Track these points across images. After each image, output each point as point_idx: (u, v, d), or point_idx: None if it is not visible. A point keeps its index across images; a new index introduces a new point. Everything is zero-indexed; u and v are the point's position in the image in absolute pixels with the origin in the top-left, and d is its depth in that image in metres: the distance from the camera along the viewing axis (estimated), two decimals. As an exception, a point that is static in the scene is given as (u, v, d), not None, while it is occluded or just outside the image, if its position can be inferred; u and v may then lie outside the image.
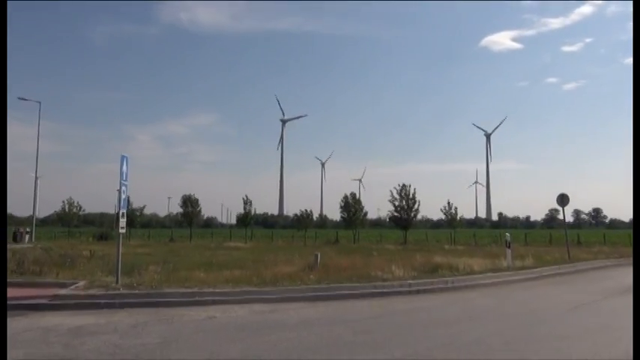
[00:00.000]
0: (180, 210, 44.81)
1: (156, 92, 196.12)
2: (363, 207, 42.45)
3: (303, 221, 48.16)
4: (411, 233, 39.99)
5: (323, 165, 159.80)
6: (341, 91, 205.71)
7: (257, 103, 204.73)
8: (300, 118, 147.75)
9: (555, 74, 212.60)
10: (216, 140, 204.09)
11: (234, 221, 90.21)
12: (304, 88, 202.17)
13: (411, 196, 36.65)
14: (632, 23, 9.22)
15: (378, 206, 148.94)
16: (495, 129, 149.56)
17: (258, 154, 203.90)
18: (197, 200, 43.73)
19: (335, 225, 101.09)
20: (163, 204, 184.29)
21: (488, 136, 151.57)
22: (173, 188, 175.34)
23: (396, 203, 36.89)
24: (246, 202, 43.32)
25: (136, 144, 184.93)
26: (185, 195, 43.69)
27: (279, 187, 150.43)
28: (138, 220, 46.26)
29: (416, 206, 36.89)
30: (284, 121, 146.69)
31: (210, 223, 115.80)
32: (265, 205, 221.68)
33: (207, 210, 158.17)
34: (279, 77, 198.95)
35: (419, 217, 41.75)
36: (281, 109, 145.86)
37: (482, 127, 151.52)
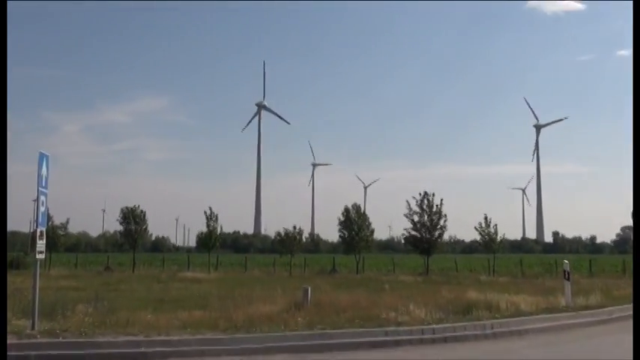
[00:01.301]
0: (120, 228, 44.56)
1: (87, 68, 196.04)
2: (369, 224, 42.42)
3: (287, 243, 48.02)
4: (434, 260, 40.02)
5: (314, 167, 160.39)
6: (341, 68, 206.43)
7: (224, 82, 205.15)
8: (282, 120, 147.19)
9: (629, 45, 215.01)
10: (169, 132, 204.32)
11: (193, 243, 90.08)
12: (291, 63, 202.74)
13: (435, 208, 36.69)
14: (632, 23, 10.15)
15: (389, 222, 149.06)
16: (549, 124, 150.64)
17: (227, 152, 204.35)
18: (143, 214, 43.48)
19: (331, 248, 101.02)
20: (96, 219, 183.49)
21: (538, 128, 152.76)
22: (110, 198, 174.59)
23: (415, 218, 36.93)
24: (210, 218, 43.14)
25: (60, 137, 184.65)
26: (126, 207, 43.50)
27: (254, 197, 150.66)
28: (62, 242, 45.94)
29: (442, 222, 36.95)
30: (261, 106, 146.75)
31: (160, 246, 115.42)
32: (236, 221, 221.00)
33: (156, 228, 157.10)
34: (255, 48, 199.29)
35: (445, 237, 41.85)
36: (264, 88, 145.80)
37: (531, 113, 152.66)
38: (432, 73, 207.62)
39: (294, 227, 48.27)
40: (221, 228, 45.08)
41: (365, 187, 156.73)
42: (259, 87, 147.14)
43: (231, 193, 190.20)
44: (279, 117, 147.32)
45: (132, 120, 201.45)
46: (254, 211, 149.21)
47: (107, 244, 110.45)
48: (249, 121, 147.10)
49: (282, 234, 48.43)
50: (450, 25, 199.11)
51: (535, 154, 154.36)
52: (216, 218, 43.26)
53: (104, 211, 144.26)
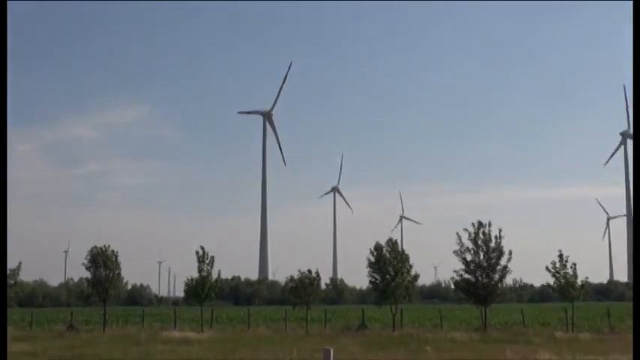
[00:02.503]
0: (87, 274, 44.74)
1: (46, 71, 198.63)
2: (410, 265, 42.21)
3: (302, 292, 47.86)
4: (495, 311, 39.69)
5: (336, 191, 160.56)
6: (365, 65, 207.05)
7: (219, 85, 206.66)
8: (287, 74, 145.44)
9: None
10: (149, 150, 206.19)
11: (181, 293, 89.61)
12: (304, 61, 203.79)
13: (494, 243, 36.44)
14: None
15: (435, 262, 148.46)
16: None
17: (224, 175, 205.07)
18: (116, 256, 43.73)
19: (359, 297, 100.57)
20: (57, 264, 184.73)
21: (626, 137, 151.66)
22: (74, 236, 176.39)
23: (468, 257, 36.72)
24: (203, 260, 43.16)
25: (10, 158, 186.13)
26: (95, 247, 43.73)
27: (259, 233, 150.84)
28: (13, 295, 46.23)
29: (503, 262, 36.67)
30: (266, 115, 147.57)
31: (138, 297, 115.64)
32: (237, 264, 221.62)
33: (133, 274, 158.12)
34: (258, 43, 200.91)
35: (508, 281, 41.45)
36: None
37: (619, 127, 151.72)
38: (488, 70, 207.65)
39: (308, 271, 48.17)
40: (218, 273, 45.13)
41: (402, 217, 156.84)
42: (261, 91, 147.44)
43: (229, 228, 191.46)
44: (284, 80, 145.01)
45: (101, 135, 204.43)
46: (259, 250, 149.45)
47: (70, 296, 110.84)
48: (282, 154, 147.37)
49: (296, 279, 48.35)
50: (513, 9, 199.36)
51: (625, 166, 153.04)
52: (211, 261, 43.34)
53: (66, 252, 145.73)
